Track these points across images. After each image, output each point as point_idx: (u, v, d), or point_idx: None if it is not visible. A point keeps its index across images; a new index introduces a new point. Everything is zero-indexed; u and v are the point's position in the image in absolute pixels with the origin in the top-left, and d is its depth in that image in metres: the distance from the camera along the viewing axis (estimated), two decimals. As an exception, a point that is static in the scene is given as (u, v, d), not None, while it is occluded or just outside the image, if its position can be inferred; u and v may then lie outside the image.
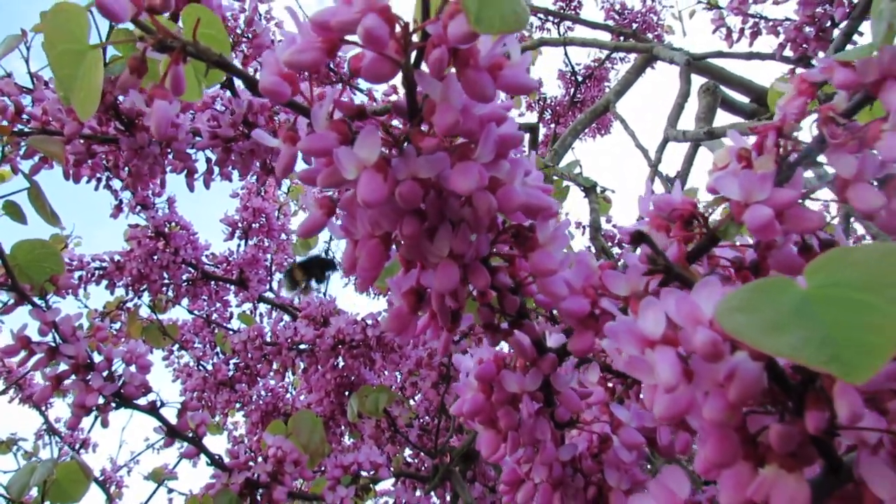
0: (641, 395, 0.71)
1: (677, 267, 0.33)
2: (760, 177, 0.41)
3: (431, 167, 0.39)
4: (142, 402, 0.95)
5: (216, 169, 1.08)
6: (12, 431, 3.17)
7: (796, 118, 0.42)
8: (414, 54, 0.38)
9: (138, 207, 1.71)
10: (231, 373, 1.85)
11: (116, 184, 1.65)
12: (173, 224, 1.79)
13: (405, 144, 0.40)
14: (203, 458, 1.05)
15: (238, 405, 1.89)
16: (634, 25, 3.51)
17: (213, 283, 1.99)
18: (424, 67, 0.38)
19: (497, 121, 0.39)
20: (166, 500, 2.92)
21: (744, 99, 2.59)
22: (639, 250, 0.54)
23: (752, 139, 0.48)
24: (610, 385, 0.74)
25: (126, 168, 1.04)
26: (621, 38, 3.23)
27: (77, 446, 3.05)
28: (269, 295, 2.26)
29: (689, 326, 0.30)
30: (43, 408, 2.95)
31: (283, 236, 2.27)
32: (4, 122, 0.86)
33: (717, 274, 0.39)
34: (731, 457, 0.31)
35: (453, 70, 0.38)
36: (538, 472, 0.64)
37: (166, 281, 1.82)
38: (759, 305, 0.28)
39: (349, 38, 0.38)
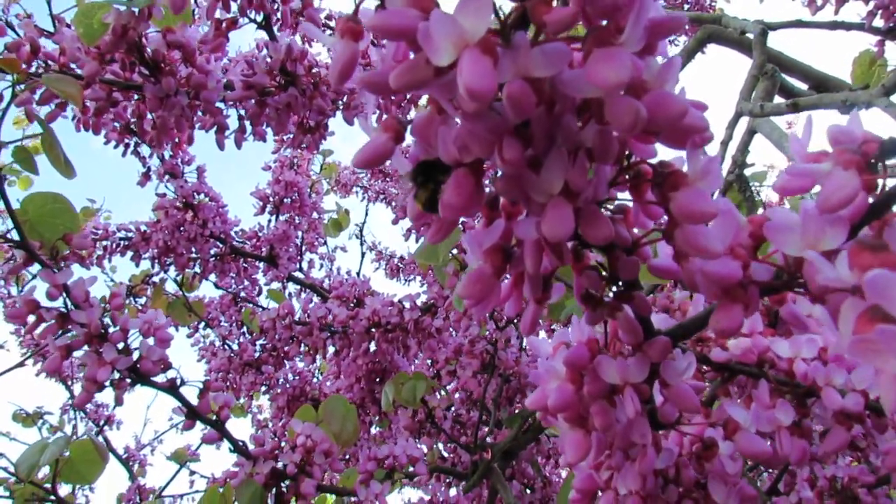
0: (752, 395, 0.58)
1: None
2: None
3: (550, 62, 0.28)
4: (160, 379, 0.85)
5: (248, 126, 0.98)
6: (38, 405, 3.14)
7: None
8: None
9: (166, 176, 1.63)
10: (257, 353, 1.76)
11: (145, 150, 1.55)
12: (202, 195, 1.70)
13: (512, 31, 0.29)
14: (226, 443, 0.96)
15: (263, 388, 1.80)
16: (686, 7, 3.35)
17: (241, 259, 1.90)
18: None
19: (650, -7, 0.27)
20: (188, 482, 2.86)
21: (802, 85, 2.44)
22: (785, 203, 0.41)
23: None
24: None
25: (151, 122, 0.95)
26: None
27: (101, 423, 3.01)
28: (299, 275, 2.17)
29: None
30: (68, 382, 2.92)
31: (315, 215, 2.17)
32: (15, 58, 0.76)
33: None
34: None
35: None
36: (628, 481, 0.52)
37: (193, 255, 1.74)
38: None
39: None
